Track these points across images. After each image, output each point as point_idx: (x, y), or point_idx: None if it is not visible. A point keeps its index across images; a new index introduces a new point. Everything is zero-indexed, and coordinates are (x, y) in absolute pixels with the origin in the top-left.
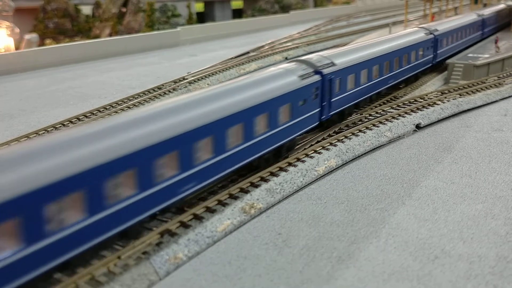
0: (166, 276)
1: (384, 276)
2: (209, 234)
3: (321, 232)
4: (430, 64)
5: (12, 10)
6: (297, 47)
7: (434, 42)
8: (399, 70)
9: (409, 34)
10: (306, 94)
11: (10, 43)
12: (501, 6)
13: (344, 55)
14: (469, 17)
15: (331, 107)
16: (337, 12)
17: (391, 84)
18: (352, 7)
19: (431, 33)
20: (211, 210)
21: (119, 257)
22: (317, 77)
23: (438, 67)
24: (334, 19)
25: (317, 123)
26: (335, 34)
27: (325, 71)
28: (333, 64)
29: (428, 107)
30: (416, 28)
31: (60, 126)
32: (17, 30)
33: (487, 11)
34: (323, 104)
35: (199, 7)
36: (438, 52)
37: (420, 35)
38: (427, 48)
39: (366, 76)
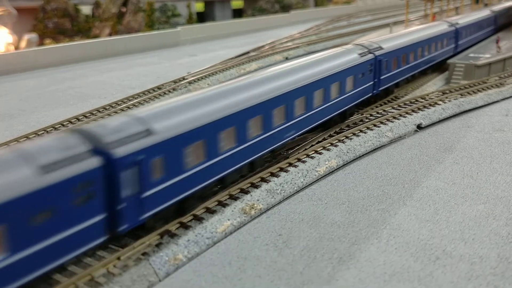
0: (166, 277)
1: (385, 277)
2: (209, 235)
3: (321, 233)
4: (370, 94)
5: (14, 18)
6: (297, 47)
7: (376, 65)
8: (309, 114)
9: (334, 57)
10: (58, 200)
11: (9, 45)
12: (486, 12)
13: (178, 112)
14: (436, 27)
15: (142, 208)
16: (338, 12)
17: (292, 137)
18: (353, 7)
19: (370, 53)
20: (211, 211)
21: (118, 258)
22: (93, 162)
23: (384, 96)
24: (334, 19)
25: (102, 238)
26: (335, 34)
27: (120, 151)
28: (149, 132)
29: (429, 107)
30: (349, 46)
31: (59, 127)
32: (15, 37)
33: (465, 19)
34: (120, 208)
35: (199, 7)
36: (382, 77)
37: (351, 57)
38: (362, 75)
39: (233, 137)
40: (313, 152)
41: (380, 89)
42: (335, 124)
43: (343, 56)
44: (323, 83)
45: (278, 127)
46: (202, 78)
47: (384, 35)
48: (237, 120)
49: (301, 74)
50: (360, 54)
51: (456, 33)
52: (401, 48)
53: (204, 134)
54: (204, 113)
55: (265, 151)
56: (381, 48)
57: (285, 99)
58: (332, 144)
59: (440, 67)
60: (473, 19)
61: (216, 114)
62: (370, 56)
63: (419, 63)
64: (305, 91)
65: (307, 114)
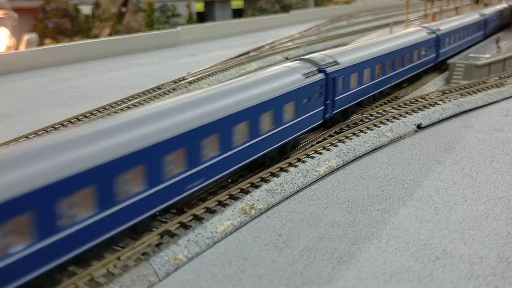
0: (166, 277)
1: (385, 277)
2: (209, 235)
3: (321, 233)
4: (321, 121)
5: (15, 22)
6: (297, 47)
7: (328, 84)
8: (226, 155)
9: (269, 80)
10: None
11: (9, 45)
12: (474, 16)
13: None
14: (413, 35)
15: None
16: (338, 12)
17: (201, 186)
18: (353, 7)
19: (320, 71)
20: (211, 211)
21: (118, 258)
22: None
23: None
24: (334, 19)
25: None
26: (335, 34)
27: None
28: None
29: (429, 107)
30: (293, 64)
31: (59, 127)
32: (15, 37)
33: (447, 24)
34: None
35: (199, 7)
36: (337, 98)
37: (292, 79)
38: (307, 100)
39: (93, 201)
40: (313, 152)
41: (335, 112)
42: (271, 161)
43: (281, 78)
44: (248, 114)
45: (175, 178)
46: (202, 78)
47: (344, 46)
48: (99, 177)
49: (214, 105)
50: (305, 74)
51: (437, 41)
52: (364, 62)
53: (31, 204)
54: (37, 172)
55: (152, 211)
56: (336, 63)
57: (186, 140)
58: (332, 144)
59: (419, 78)
60: (457, 24)
61: (60, 171)
62: (319, 76)
63: (388, 77)
64: (220, 126)
65: (223, 155)
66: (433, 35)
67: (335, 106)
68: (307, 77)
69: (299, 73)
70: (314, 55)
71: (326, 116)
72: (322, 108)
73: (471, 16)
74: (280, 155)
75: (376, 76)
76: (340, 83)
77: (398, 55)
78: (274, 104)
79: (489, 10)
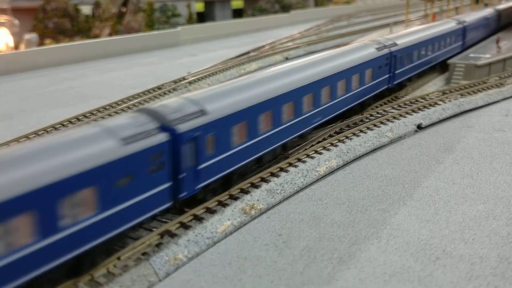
0: (166, 277)
1: (385, 277)
2: (209, 235)
3: (322, 233)
4: (168, 204)
5: (16, 28)
6: (297, 47)
7: (182, 149)
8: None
9: (54, 150)
10: None
11: (8, 45)
12: (450, 24)
13: None
14: (352, 54)
15: None
16: (338, 12)
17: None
18: (353, 7)
19: (164, 130)
20: (211, 211)
21: (118, 258)
22: None
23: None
24: (334, 19)
25: None
26: (335, 34)
27: None
28: None
29: (429, 107)
30: (124, 119)
31: (59, 127)
32: (15, 38)
33: (408, 37)
34: None
35: (199, 7)
36: (203, 167)
37: (99, 149)
38: (132, 178)
39: None
40: (313, 152)
41: (200, 186)
42: (72, 274)
43: (77, 149)
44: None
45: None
46: (202, 78)
47: (229, 82)
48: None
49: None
50: (126, 139)
51: (391, 59)
52: (256, 105)
53: None
54: None
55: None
56: (202, 113)
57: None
58: (332, 144)
59: (364, 108)
60: (421, 36)
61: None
62: (160, 137)
63: (308, 117)
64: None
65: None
66: (386, 51)
67: (199, 178)
68: (127, 144)
69: (115, 138)
70: (170, 101)
71: (180, 196)
72: (167, 185)
73: (443, 25)
74: (76, 271)
75: (284, 120)
76: (209, 144)
77: (324, 85)
78: (50, 195)
79: (470, 16)
